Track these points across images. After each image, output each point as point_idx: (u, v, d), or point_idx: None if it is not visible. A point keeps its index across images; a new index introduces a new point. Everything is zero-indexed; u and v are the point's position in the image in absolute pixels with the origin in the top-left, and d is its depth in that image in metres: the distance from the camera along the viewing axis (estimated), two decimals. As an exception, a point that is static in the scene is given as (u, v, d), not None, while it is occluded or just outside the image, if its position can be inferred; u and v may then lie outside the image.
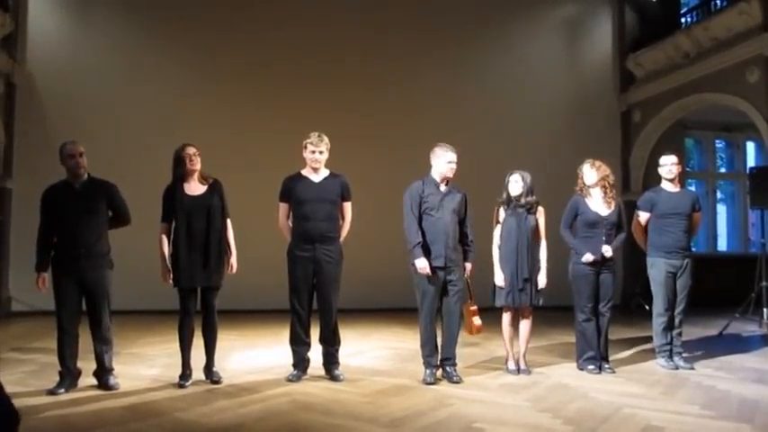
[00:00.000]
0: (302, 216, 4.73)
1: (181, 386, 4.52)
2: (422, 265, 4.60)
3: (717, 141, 12.68)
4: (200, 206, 4.57)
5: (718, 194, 12.71)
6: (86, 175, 4.49)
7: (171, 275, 4.58)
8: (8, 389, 3.90)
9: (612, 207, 5.17)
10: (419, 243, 4.63)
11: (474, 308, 4.91)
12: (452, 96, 10.38)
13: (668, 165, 5.46)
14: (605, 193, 5.17)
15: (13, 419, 1.16)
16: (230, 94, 9.71)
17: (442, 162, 4.78)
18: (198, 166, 4.67)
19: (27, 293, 8.62)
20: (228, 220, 4.77)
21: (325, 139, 4.82)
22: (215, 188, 4.70)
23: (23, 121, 9.14)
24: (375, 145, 9.85)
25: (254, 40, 9.84)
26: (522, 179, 5.06)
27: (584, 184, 5.22)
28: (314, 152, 4.77)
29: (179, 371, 4.63)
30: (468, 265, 4.89)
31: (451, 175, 4.82)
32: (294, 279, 4.76)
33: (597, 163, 5.23)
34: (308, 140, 4.80)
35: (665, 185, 5.50)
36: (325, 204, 4.73)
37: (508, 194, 5.09)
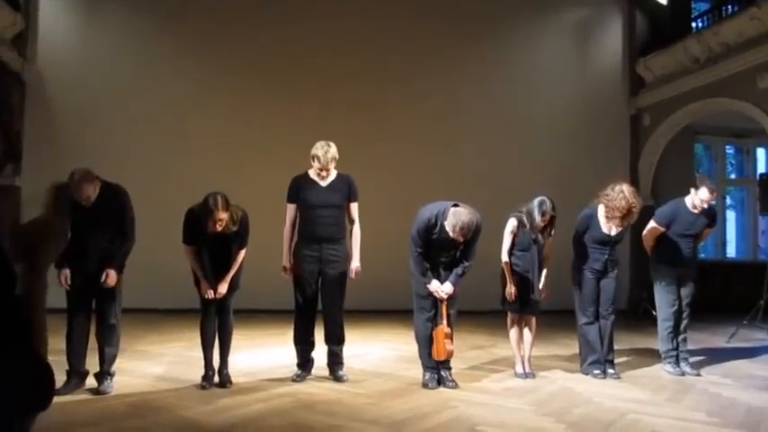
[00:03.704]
0: (309, 219, 4.74)
1: (203, 387, 4.48)
2: (434, 287, 4.62)
3: (727, 147, 12.61)
4: (224, 242, 4.52)
5: (728, 201, 12.63)
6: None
7: (210, 290, 4.52)
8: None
9: (622, 228, 5.11)
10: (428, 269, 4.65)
11: (447, 330, 4.60)
12: (460, 100, 10.37)
13: (707, 199, 5.19)
14: (622, 222, 5.02)
15: (49, 382, 1.16)
16: (242, 89, 9.72)
17: (448, 225, 4.47)
18: (221, 228, 4.38)
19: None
20: (244, 250, 4.66)
21: (333, 152, 4.67)
22: (240, 226, 4.52)
23: (33, 120, 9.19)
24: (382, 146, 9.85)
25: (265, 35, 9.84)
26: (551, 211, 4.88)
27: (610, 206, 4.97)
28: (321, 170, 4.71)
29: (185, 369, 4.64)
30: (449, 286, 4.61)
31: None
32: (299, 277, 4.78)
33: (637, 203, 4.93)
34: (316, 154, 4.68)
35: (689, 203, 5.31)
36: (332, 209, 4.74)
37: (531, 221, 4.92)
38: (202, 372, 4.59)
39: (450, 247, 4.61)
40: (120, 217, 4.35)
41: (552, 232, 5.05)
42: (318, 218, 4.71)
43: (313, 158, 4.72)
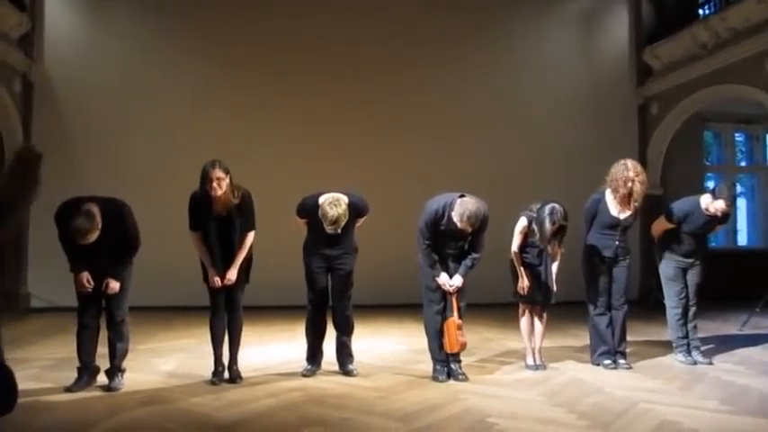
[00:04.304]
0: (321, 235, 4.71)
1: (213, 383, 4.49)
2: (443, 280, 4.61)
3: (736, 134, 12.47)
4: (228, 223, 4.50)
5: (738, 188, 12.51)
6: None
7: (216, 278, 4.50)
8: (25, 384, 3.95)
9: (631, 211, 5.07)
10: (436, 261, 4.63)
11: (459, 322, 4.59)
12: (465, 91, 10.31)
13: (722, 211, 5.16)
14: (630, 201, 5.00)
15: (12, 394, 1.15)
16: (247, 86, 9.72)
17: (456, 215, 4.46)
18: (221, 192, 4.35)
19: (46, 290, 8.73)
20: (252, 233, 4.63)
21: (340, 214, 4.50)
22: (243, 202, 4.52)
23: (41, 120, 9.23)
24: (386, 138, 9.82)
25: (268, 30, 9.82)
26: (561, 221, 4.75)
27: (613, 178, 5.00)
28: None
29: (194, 366, 4.65)
30: (458, 279, 4.62)
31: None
32: (309, 271, 4.83)
33: (641, 176, 4.97)
34: (324, 216, 4.52)
35: (703, 205, 5.24)
36: (342, 233, 4.70)
37: (541, 233, 4.80)
38: (212, 368, 4.60)
39: (459, 237, 4.60)
40: (122, 230, 4.32)
41: (562, 241, 4.92)
42: (329, 238, 4.71)
43: (323, 217, 4.55)
